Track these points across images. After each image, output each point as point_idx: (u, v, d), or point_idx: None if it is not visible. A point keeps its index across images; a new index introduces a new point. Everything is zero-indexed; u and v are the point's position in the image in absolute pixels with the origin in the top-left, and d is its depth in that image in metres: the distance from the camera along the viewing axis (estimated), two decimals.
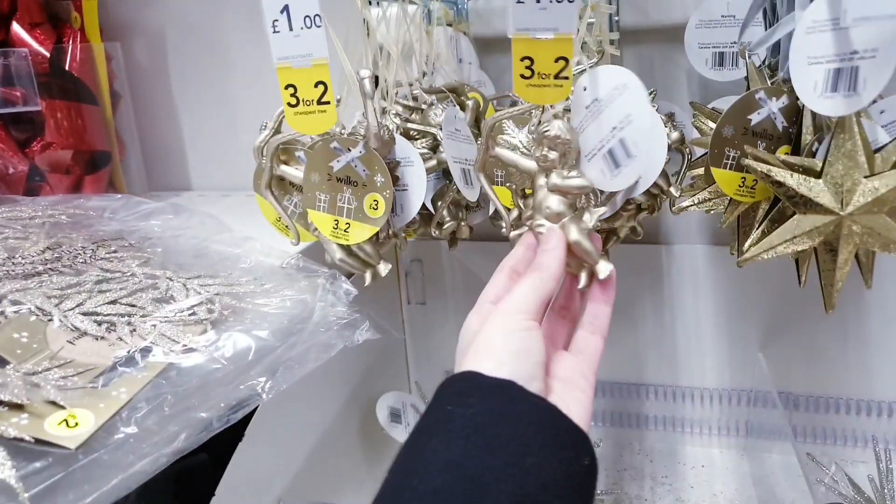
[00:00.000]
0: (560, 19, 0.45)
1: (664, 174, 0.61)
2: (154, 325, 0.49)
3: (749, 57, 0.55)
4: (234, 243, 0.67)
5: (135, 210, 0.76)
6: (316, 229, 0.57)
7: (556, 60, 0.47)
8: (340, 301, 0.56)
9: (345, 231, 0.56)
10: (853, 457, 0.88)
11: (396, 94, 0.68)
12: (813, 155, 0.50)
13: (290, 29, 0.47)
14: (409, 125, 0.63)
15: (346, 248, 0.57)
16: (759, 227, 0.50)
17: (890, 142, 0.49)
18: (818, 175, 0.48)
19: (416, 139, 0.65)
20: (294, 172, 0.59)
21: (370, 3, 0.71)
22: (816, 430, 0.90)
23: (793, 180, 0.47)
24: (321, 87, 0.49)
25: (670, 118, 0.75)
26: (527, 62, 0.47)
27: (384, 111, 0.65)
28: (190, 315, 0.51)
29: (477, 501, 0.32)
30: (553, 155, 0.52)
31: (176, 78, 0.98)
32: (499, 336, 0.40)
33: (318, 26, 0.47)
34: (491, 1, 0.82)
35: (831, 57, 0.44)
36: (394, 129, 0.63)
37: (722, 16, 0.72)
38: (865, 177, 0.47)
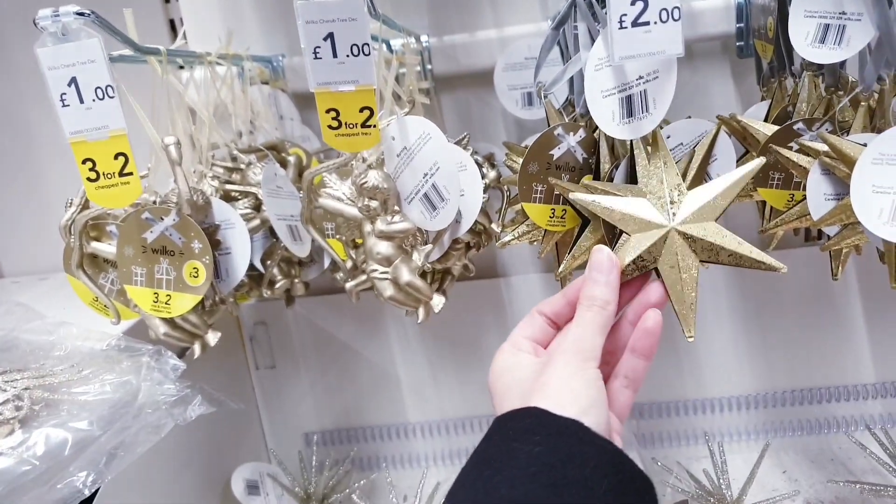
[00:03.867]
0: (359, 72, 0.46)
1: (485, 212, 0.64)
2: None
3: (545, 97, 0.59)
4: (46, 331, 0.62)
5: None
6: (136, 305, 0.54)
7: (361, 110, 0.48)
8: (168, 378, 0.52)
9: (166, 304, 0.53)
10: (696, 454, 0.95)
11: (213, 156, 0.66)
12: (612, 181, 0.54)
13: (81, 102, 0.45)
14: (229, 186, 0.62)
15: (171, 322, 0.54)
16: (570, 252, 0.53)
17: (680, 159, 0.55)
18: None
19: (238, 199, 0.63)
20: (106, 248, 0.56)
21: (180, 67, 0.69)
22: (662, 434, 0.96)
23: (620, 204, 0.49)
24: (122, 159, 0.46)
25: (489, 159, 0.78)
26: (332, 113, 0.48)
27: (202, 175, 0.63)
28: None
29: None
30: (374, 204, 0.53)
31: None
32: (577, 382, 0.39)
33: (112, 97, 0.45)
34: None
35: (621, 87, 0.48)
36: (212, 192, 0.62)
37: (525, 58, 0.77)
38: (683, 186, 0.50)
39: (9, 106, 0.90)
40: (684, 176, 0.53)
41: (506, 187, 0.70)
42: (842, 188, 0.54)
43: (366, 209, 0.52)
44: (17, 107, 0.90)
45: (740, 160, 0.65)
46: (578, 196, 0.49)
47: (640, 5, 0.42)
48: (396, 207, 0.53)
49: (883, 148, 0.49)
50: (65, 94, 0.45)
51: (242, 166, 0.64)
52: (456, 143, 0.69)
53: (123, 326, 0.59)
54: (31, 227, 0.95)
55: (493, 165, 0.77)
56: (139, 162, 0.50)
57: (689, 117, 0.68)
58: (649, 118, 0.48)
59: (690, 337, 0.46)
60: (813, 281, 0.86)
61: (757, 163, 0.48)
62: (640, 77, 0.47)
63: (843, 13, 0.53)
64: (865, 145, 0.50)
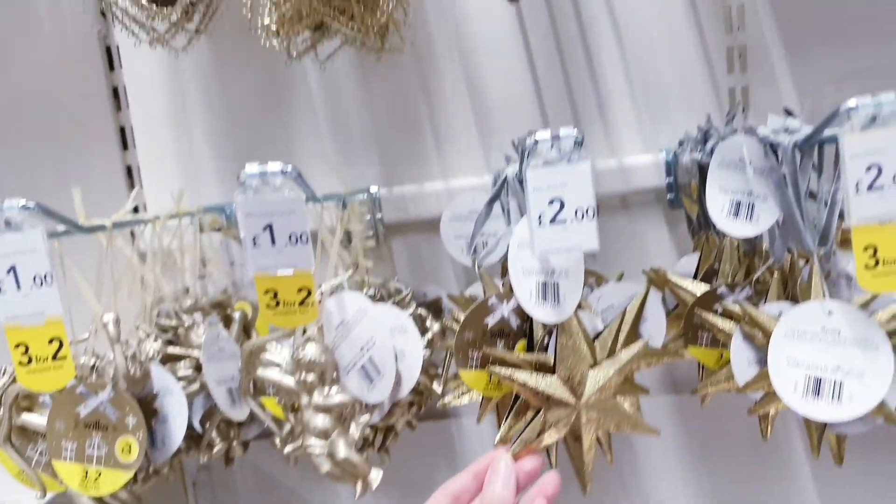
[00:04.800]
0: (297, 258, 0.48)
1: (427, 371, 0.65)
2: None
3: (479, 267, 0.61)
4: None
5: None
6: (63, 482, 0.53)
7: (299, 290, 0.50)
8: None
9: (95, 480, 0.52)
10: None
11: (158, 313, 0.67)
12: (545, 348, 0.56)
13: (19, 289, 0.46)
14: (170, 350, 0.62)
15: (99, 499, 0.53)
16: (505, 420, 0.54)
17: (604, 329, 0.57)
18: (553, 370, 0.53)
19: (180, 360, 0.63)
20: (37, 420, 0.55)
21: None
22: None
23: (532, 379, 0.52)
24: (56, 343, 0.47)
25: (436, 303, 0.80)
26: (271, 294, 0.49)
27: (146, 335, 0.63)
28: None
29: None
30: (311, 377, 0.53)
31: None
32: None
33: (50, 284, 0.46)
34: None
35: (538, 272, 0.51)
36: (153, 352, 0.62)
37: (469, 210, 0.80)
38: (591, 366, 0.54)
39: None
40: (616, 339, 0.56)
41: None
42: (764, 354, 0.57)
43: (303, 383, 0.53)
44: None
45: (672, 312, 0.68)
46: (495, 369, 0.52)
47: (556, 205, 0.45)
48: (335, 377, 0.54)
49: (795, 323, 0.52)
50: (2, 281, 0.46)
51: (185, 326, 0.65)
52: (398, 301, 0.71)
53: (48, 499, 0.57)
54: None
55: (439, 312, 0.79)
56: (77, 319, 0.50)
57: (622, 275, 0.71)
58: (560, 310, 0.51)
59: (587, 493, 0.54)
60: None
61: (637, 347, 0.53)
62: (553, 271, 0.50)
63: (752, 192, 0.57)
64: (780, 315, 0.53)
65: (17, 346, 0.47)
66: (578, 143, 0.45)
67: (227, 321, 0.68)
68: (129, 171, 0.88)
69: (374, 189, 0.85)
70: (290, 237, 0.47)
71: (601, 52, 0.85)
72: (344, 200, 0.73)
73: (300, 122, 0.86)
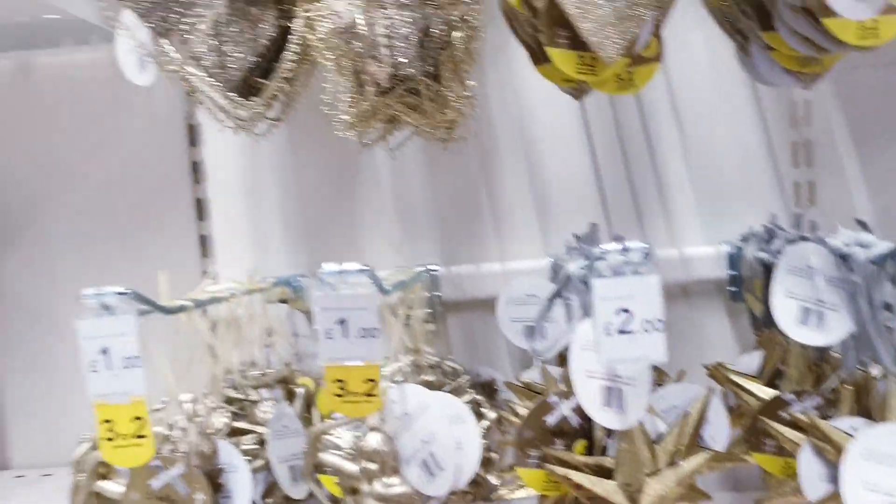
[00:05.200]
0: (367, 351, 0.50)
1: (484, 463, 0.65)
2: None
3: (542, 363, 0.62)
4: None
5: None
6: None
7: (367, 381, 0.51)
8: None
9: None
10: None
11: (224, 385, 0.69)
12: (604, 450, 0.56)
13: (109, 369, 0.49)
14: (237, 425, 0.64)
15: None
16: None
17: (666, 433, 0.57)
18: (611, 474, 0.53)
19: (245, 433, 0.65)
20: (114, 489, 0.57)
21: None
22: None
23: (589, 483, 0.52)
24: (138, 422, 0.49)
25: (491, 385, 0.81)
26: (339, 383, 0.51)
27: (214, 408, 0.65)
28: None
29: None
30: (373, 466, 0.54)
31: None
32: None
33: (137, 367, 0.48)
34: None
35: (602, 375, 0.52)
36: (221, 426, 0.64)
37: (526, 295, 0.82)
38: (649, 474, 0.53)
39: (27, 293, 0.95)
40: (678, 445, 0.56)
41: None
42: (835, 470, 0.55)
43: (364, 471, 0.54)
44: (34, 295, 0.95)
45: (733, 409, 0.67)
46: (553, 469, 0.52)
47: (624, 315, 0.46)
48: (395, 467, 0.55)
49: (872, 444, 0.50)
50: (96, 361, 0.49)
51: (253, 398, 0.67)
52: (453, 390, 0.71)
53: None
54: (41, 418, 0.97)
55: (492, 393, 0.80)
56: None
57: (683, 373, 0.70)
58: (623, 417, 0.51)
59: None
60: None
61: (700, 459, 0.53)
62: (619, 377, 0.50)
63: (822, 301, 0.56)
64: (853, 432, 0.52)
65: (104, 422, 0.50)
66: (647, 255, 0.46)
67: (291, 395, 0.70)
68: (202, 239, 0.92)
69: (433, 267, 0.87)
70: (362, 331, 0.49)
71: (663, 143, 0.87)
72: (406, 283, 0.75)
73: (366, 201, 0.90)
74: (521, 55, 0.83)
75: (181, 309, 0.57)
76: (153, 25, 0.63)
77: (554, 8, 0.56)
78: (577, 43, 0.57)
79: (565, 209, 0.88)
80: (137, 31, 0.66)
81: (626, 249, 0.46)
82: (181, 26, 0.63)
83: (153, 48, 0.67)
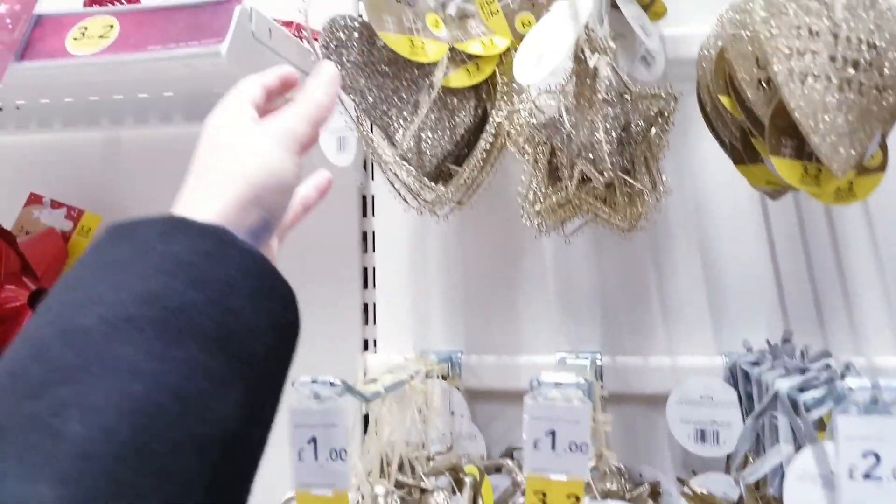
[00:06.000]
0: (574, 466, 0.48)
1: None
2: None
3: (743, 482, 0.58)
4: None
5: None
6: None
7: (569, 497, 0.49)
8: None
9: None
10: None
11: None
12: None
13: (315, 459, 0.49)
14: None
15: None
16: None
17: None
18: None
19: None
20: None
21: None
22: None
23: None
24: None
25: (654, 487, 0.77)
26: (541, 496, 0.50)
27: (388, 492, 0.65)
28: None
29: (178, 333, 0.29)
30: None
31: None
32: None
33: (344, 460, 0.49)
34: (483, 358, 0.88)
35: None
36: None
37: (700, 396, 0.78)
38: None
39: None
40: None
41: None
42: None
43: None
44: None
45: None
46: None
47: (871, 459, 0.42)
48: None
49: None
50: (303, 449, 0.50)
51: (425, 488, 0.66)
52: (632, 499, 0.68)
53: None
54: None
55: (656, 496, 0.76)
56: None
57: None
58: None
59: None
60: None
61: None
62: None
63: None
64: None
65: None
66: None
67: (459, 483, 0.69)
68: (365, 307, 0.94)
69: (597, 357, 0.84)
70: (571, 444, 0.48)
71: (849, 241, 0.81)
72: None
73: (530, 281, 0.89)
74: (699, 141, 0.81)
75: (377, 395, 0.58)
76: (372, 119, 0.65)
77: (779, 117, 0.54)
78: (800, 152, 0.55)
79: (740, 305, 0.83)
80: (342, 117, 0.69)
81: (876, 387, 0.42)
82: (395, 121, 0.65)
83: (357, 132, 0.69)
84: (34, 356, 0.28)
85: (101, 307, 0.29)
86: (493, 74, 0.68)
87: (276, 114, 0.41)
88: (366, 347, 0.94)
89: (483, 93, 0.69)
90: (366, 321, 0.94)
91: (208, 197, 0.36)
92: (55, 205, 0.91)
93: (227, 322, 0.31)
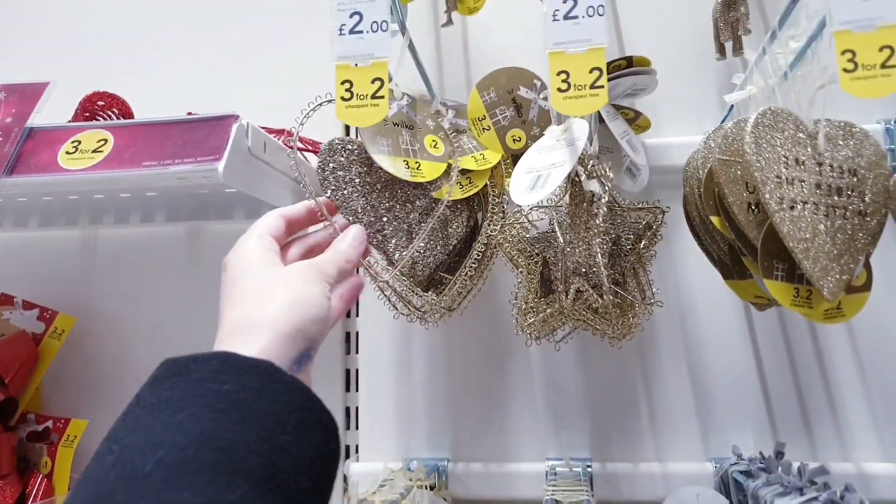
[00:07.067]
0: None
1: None
2: None
3: None
4: None
5: None
6: None
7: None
8: None
9: None
10: None
11: None
12: None
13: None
14: None
15: None
16: None
17: None
18: None
19: None
20: None
21: None
22: None
23: None
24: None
25: None
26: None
27: None
28: None
29: (230, 475, 0.32)
30: None
31: None
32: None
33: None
34: (470, 466, 0.85)
35: None
36: None
37: None
38: None
39: None
40: None
41: None
42: None
43: None
44: None
45: None
46: None
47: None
48: None
49: None
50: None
51: None
52: None
53: None
54: None
55: None
56: None
57: None
58: None
59: None
60: None
61: None
62: None
63: None
64: None
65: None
66: None
67: None
68: (347, 411, 0.92)
69: (588, 464, 0.83)
70: None
71: (833, 350, 0.83)
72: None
73: (516, 385, 0.88)
74: (682, 248, 0.83)
75: None
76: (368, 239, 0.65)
77: (771, 241, 0.55)
78: (792, 275, 0.56)
79: (727, 411, 0.83)
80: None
81: None
82: (389, 240, 0.65)
83: None
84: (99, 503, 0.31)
85: (161, 451, 0.32)
86: (485, 187, 0.69)
87: (314, 259, 0.48)
88: (347, 455, 0.90)
89: (474, 204, 0.70)
90: (347, 426, 0.91)
91: (253, 331, 0.39)
92: (27, 305, 0.88)
93: (276, 459, 0.34)
